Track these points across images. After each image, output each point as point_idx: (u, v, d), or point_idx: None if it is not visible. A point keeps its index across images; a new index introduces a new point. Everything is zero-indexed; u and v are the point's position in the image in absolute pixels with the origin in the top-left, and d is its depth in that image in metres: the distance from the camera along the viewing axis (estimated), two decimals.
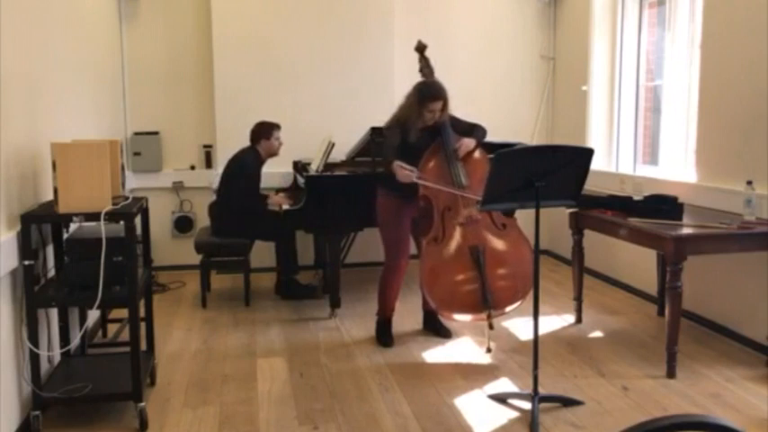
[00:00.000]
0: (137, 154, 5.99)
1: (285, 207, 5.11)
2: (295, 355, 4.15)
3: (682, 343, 3.84)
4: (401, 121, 4.08)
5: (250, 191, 5.18)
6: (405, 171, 3.94)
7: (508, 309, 4.07)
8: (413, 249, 4.34)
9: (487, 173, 3.29)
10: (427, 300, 4.18)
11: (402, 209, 4.19)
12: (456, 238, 4.04)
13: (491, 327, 4.03)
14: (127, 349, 3.23)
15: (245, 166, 5.19)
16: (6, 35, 2.95)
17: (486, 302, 3.94)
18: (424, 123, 4.05)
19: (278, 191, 5.58)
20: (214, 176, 5.71)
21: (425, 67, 4.33)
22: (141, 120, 6.03)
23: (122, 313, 3.96)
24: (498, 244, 4.07)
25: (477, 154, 4.18)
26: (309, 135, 5.77)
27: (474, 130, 4.22)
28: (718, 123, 4.37)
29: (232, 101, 5.95)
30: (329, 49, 6.07)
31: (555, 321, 4.72)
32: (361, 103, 6.03)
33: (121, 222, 3.10)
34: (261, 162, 5.29)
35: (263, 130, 5.26)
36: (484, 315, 3.98)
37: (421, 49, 4.37)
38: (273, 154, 5.32)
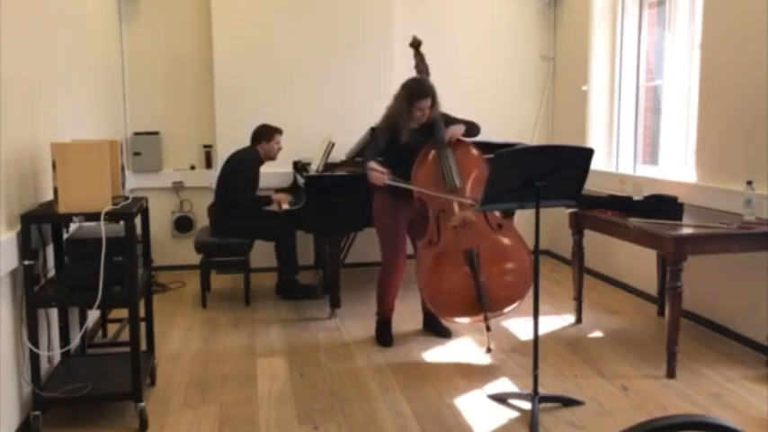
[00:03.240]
0: (137, 154, 5.99)
1: (285, 207, 5.11)
2: (295, 355, 4.15)
3: (682, 343, 3.84)
4: (391, 121, 4.06)
5: (251, 189, 5.19)
6: (376, 173, 3.93)
7: (506, 309, 4.07)
8: (410, 249, 4.33)
9: (486, 173, 3.28)
10: (426, 304, 4.18)
11: (398, 210, 4.18)
12: (450, 241, 4.02)
13: (488, 329, 4.01)
14: (127, 349, 3.23)
15: (246, 164, 5.20)
16: (6, 35, 2.95)
17: (482, 305, 3.94)
18: (416, 122, 4.04)
19: (277, 190, 5.58)
20: (214, 176, 5.70)
21: (420, 63, 4.31)
22: (141, 120, 6.03)
23: (122, 313, 3.96)
24: (493, 246, 4.05)
25: (471, 153, 4.15)
26: (309, 135, 5.77)
27: (467, 125, 4.18)
28: (718, 123, 4.37)
29: (232, 101, 5.96)
30: (329, 49, 6.07)
31: (555, 321, 4.71)
32: (361, 103, 6.02)
33: (121, 222, 3.10)
34: (260, 162, 5.30)
35: (265, 133, 5.27)
36: (481, 317, 3.98)
37: (416, 45, 4.34)
38: (271, 158, 5.33)
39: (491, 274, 3.99)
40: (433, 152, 4.08)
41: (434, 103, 4.02)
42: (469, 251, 3.98)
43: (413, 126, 4.04)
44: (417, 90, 4.00)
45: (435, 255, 4.01)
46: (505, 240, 4.08)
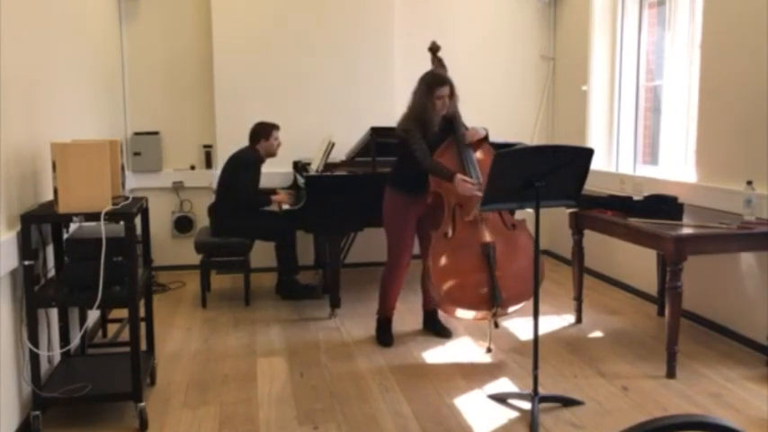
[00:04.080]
0: (137, 154, 5.99)
1: (285, 207, 5.12)
2: (295, 355, 4.15)
3: (682, 343, 3.84)
4: (414, 114, 4.06)
5: (254, 188, 5.21)
6: (468, 185, 3.88)
7: (512, 309, 4.07)
8: (415, 250, 4.33)
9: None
10: (431, 294, 4.17)
11: (409, 207, 4.18)
12: (467, 235, 4.02)
13: (496, 325, 4.03)
14: (127, 349, 3.23)
15: (249, 164, 5.21)
16: (6, 35, 2.95)
17: (496, 300, 3.93)
18: (437, 113, 4.05)
19: (278, 191, 5.58)
20: (214, 176, 5.71)
21: (439, 66, 4.33)
22: (141, 120, 6.03)
23: (122, 313, 3.96)
24: (508, 244, 4.06)
25: (490, 153, 4.15)
26: (309, 135, 5.77)
27: None
28: (718, 123, 4.37)
29: (232, 101, 5.96)
30: (329, 49, 6.07)
31: (555, 321, 4.71)
32: (361, 103, 6.03)
33: (121, 222, 3.10)
34: (262, 161, 5.30)
35: (263, 131, 5.27)
36: (488, 313, 3.97)
37: (434, 49, 4.38)
38: (272, 154, 5.34)
39: (505, 271, 3.99)
40: (453, 148, 4.10)
41: (452, 92, 4.06)
42: (487, 245, 3.99)
43: (437, 117, 4.04)
44: (436, 79, 4.05)
45: (451, 247, 4.01)
46: (519, 240, 4.09)
